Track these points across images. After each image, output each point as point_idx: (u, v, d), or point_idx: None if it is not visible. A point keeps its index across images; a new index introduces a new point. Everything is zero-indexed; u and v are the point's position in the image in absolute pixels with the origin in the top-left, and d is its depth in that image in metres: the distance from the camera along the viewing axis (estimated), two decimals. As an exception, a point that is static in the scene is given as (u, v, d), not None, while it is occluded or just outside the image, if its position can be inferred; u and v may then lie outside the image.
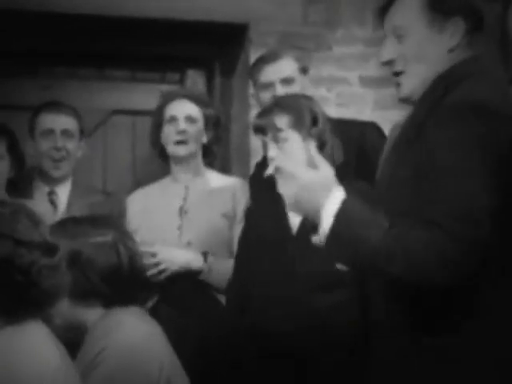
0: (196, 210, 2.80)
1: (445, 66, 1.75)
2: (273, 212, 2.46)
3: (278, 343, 2.29)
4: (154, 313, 2.62)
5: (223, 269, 2.64)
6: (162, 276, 2.68)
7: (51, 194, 2.92)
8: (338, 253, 1.67)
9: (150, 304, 2.68)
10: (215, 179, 2.91)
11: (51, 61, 3.61)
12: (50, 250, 1.58)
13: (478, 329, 1.61)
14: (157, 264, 2.67)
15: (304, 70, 2.83)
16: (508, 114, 1.63)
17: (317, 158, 1.69)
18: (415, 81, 1.78)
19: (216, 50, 3.67)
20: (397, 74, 1.82)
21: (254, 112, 3.06)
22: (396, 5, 1.81)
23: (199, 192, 2.84)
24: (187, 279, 2.69)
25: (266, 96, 2.74)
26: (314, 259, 2.13)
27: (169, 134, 2.83)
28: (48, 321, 1.64)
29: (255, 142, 3.05)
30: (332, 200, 1.63)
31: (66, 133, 2.91)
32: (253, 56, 3.21)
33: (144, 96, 3.63)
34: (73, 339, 1.83)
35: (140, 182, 3.25)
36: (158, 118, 2.87)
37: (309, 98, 2.51)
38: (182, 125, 2.81)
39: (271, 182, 1.74)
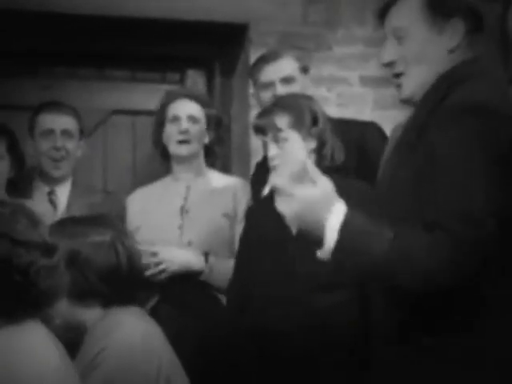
0: (197, 209, 2.79)
1: (445, 66, 1.76)
2: (273, 212, 2.45)
3: (278, 343, 2.29)
4: (154, 312, 2.63)
5: (224, 269, 2.64)
6: (162, 276, 2.68)
7: (51, 193, 2.92)
8: (343, 266, 1.67)
9: (150, 303, 2.69)
10: (216, 179, 2.91)
11: (51, 61, 3.61)
12: (48, 250, 1.58)
13: (478, 329, 1.61)
14: (157, 264, 2.67)
15: (305, 70, 2.83)
16: (508, 113, 1.63)
17: (314, 173, 1.68)
18: (416, 82, 1.79)
19: (216, 50, 3.66)
20: (397, 75, 1.82)
21: (254, 112, 3.06)
22: (396, 6, 1.82)
23: (200, 192, 2.84)
24: (188, 279, 2.69)
25: (267, 95, 2.74)
26: (314, 259, 2.13)
27: (171, 133, 2.83)
28: (47, 321, 1.64)
29: (255, 141, 3.05)
30: (334, 213, 1.62)
31: (65, 133, 2.91)
32: (253, 56, 3.21)
33: (144, 96, 3.63)
34: (73, 339, 1.84)
35: (140, 182, 3.25)
36: (160, 117, 2.87)
37: (309, 98, 2.51)
38: (185, 124, 2.81)
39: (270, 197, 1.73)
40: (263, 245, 2.38)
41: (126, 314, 1.93)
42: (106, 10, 3.31)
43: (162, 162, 2.99)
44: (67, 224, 2.02)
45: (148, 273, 2.62)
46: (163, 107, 2.87)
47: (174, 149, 2.83)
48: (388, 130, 2.76)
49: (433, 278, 1.54)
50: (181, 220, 2.78)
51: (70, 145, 2.92)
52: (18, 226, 1.56)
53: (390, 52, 1.82)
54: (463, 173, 1.57)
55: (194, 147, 2.83)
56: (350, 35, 3.54)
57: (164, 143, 2.87)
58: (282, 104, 2.45)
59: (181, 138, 2.81)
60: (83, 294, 1.90)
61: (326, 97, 3.43)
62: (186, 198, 2.82)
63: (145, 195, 2.92)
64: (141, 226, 2.80)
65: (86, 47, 3.52)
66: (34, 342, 1.55)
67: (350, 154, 2.53)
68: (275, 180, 1.67)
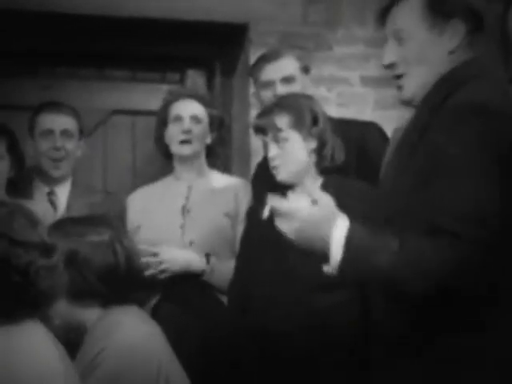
0: (199, 209, 2.79)
1: (446, 67, 1.76)
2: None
3: (278, 343, 2.29)
4: (155, 312, 2.63)
5: (225, 270, 2.63)
6: (163, 276, 2.68)
7: (51, 194, 2.92)
8: (352, 280, 1.68)
9: (151, 303, 2.69)
10: (218, 179, 2.91)
11: (51, 61, 3.61)
12: (47, 250, 1.58)
13: (478, 329, 1.61)
14: (158, 264, 2.66)
15: (305, 70, 2.82)
16: (509, 113, 1.63)
17: (314, 191, 1.69)
18: (417, 83, 1.79)
19: (216, 50, 3.66)
20: (398, 76, 1.83)
21: (254, 112, 3.06)
22: (396, 8, 1.82)
23: (202, 191, 2.84)
24: (189, 279, 2.69)
25: (267, 95, 2.74)
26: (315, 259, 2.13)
27: (174, 132, 2.83)
28: (47, 321, 1.64)
29: (256, 141, 3.05)
30: (337, 229, 1.63)
31: (65, 133, 2.91)
32: (253, 56, 3.21)
33: (144, 96, 3.63)
34: (72, 339, 1.84)
35: (140, 182, 3.25)
36: (162, 117, 2.87)
37: (309, 98, 2.51)
38: (188, 124, 2.81)
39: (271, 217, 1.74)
40: (264, 245, 2.38)
41: (125, 314, 1.93)
42: (106, 9, 3.31)
43: (163, 162, 2.99)
44: (66, 224, 2.02)
45: (149, 273, 2.62)
46: (166, 106, 2.87)
47: (176, 148, 2.83)
48: (388, 130, 2.76)
49: (445, 283, 1.55)
50: (182, 220, 2.78)
51: (70, 145, 2.92)
52: (17, 226, 1.56)
53: (390, 53, 1.82)
54: (465, 173, 1.58)
55: (196, 147, 2.83)
56: (351, 35, 3.54)
57: (166, 142, 2.87)
58: (282, 104, 2.45)
59: (183, 137, 2.81)
60: (82, 294, 1.90)
61: (326, 97, 3.43)
62: (187, 198, 2.82)
63: (146, 194, 2.92)
64: (142, 226, 2.80)
65: (86, 47, 3.52)
66: (34, 342, 1.54)
67: (350, 154, 2.53)
68: (274, 202, 1.67)
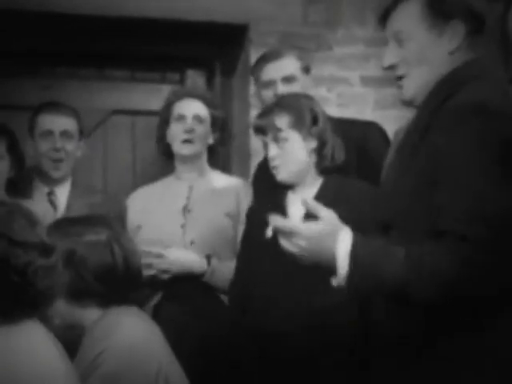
0: (200, 209, 2.79)
1: (446, 68, 1.77)
2: (273, 212, 2.45)
3: (278, 343, 2.29)
4: (156, 312, 2.63)
5: (226, 271, 2.63)
6: (165, 277, 2.67)
7: (50, 194, 2.91)
8: (360, 292, 1.68)
9: (151, 303, 2.69)
10: (219, 179, 2.90)
11: (51, 61, 3.61)
12: (46, 250, 1.58)
13: (478, 329, 1.61)
14: (160, 264, 2.66)
15: (306, 70, 2.82)
16: (508, 113, 1.63)
17: (315, 207, 1.69)
18: (417, 83, 1.80)
19: (216, 50, 3.66)
20: (399, 77, 1.83)
21: (254, 112, 3.06)
22: (397, 10, 1.83)
23: (203, 191, 2.83)
24: (190, 280, 2.68)
25: (268, 94, 2.74)
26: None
27: (176, 132, 2.82)
28: (46, 321, 1.64)
29: (256, 141, 3.05)
30: (342, 242, 1.64)
31: (65, 134, 2.91)
32: (253, 56, 3.21)
33: (144, 96, 3.63)
34: (72, 339, 1.83)
35: (140, 182, 3.25)
36: (165, 116, 2.87)
37: (309, 98, 2.51)
38: (190, 124, 2.80)
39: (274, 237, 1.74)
40: (264, 245, 2.38)
41: (125, 314, 1.93)
42: (106, 9, 3.31)
43: (163, 162, 2.99)
44: (64, 224, 2.02)
45: (150, 273, 2.63)
46: (169, 105, 2.87)
47: (178, 148, 2.83)
48: (389, 130, 2.77)
49: (457, 287, 1.55)
50: (183, 219, 2.77)
51: (70, 146, 2.92)
52: (16, 226, 1.56)
53: (390, 55, 1.83)
54: (467, 174, 1.58)
55: (198, 147, 2.83)
56: (351, 35, 3.54)
57: (168, 142, 2.86)
58: (282, 104, 2.45)
59: (185, 137, 2.80)
60: (80, 294, 1.90)
61: (326, 97, 3.43)
62: (188, 198, 2.82)
63: (146, 194, 2.91)
64: (142, 225, 2.80)
65: (86, 47, 3.52)
66: (34, 342, 1.54)
67: (350, 154, 2.53)
68: (276, 221, 1.68)
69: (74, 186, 2.96)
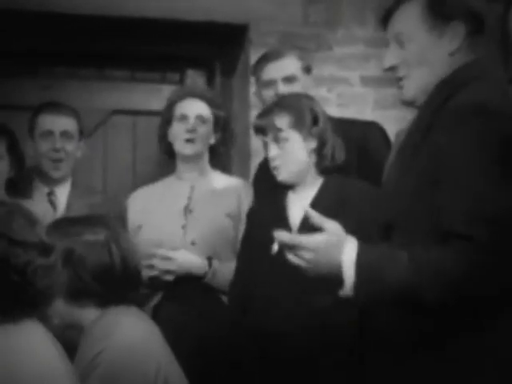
0: (201, 209, 2.78)
1: (446, 69, 1.77)
2: (274, 212, 2.45)
3: (278, 343, 2.29)
4: (156, 312, 2.63)
5: (227, 271, 2.62)
6: (167, 278, 2.67)
7: (50, 194, 2.91)
8: (368, 301, 1.69)
9: (152, 303, 2.69)
10: (220, 179, 2.90)
11: (51, 61, 3.61)
12: (45, 249, 1.58)
13: (478, 329, 1.61)
14: (163, 265, 2.66)
15: (307, 70, 2.82)
16: (508, 113, 1.63)
17: (319, 219, 1.71)
18: (417, 84, 1.81)
19: (216, 50, 3.66)
20: (400, 78, 1.84)
21: (254, 112, 3.06)
22: (397, 12, 1.84)
23: (204, 191, 2.83)
24: (191, 280, 2.68)
25: (269, 94, 2.73)
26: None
27: (178, 131, 2.82)
28: (45, 320, 1.64)
29: (256, 142, 3.04)
30: (347, 252, 1.65)
31: (65, 134, 2.91)
32: (253, 56, 3.21)
33: (144, 96, 3.63)
34: (71, 339, 1.83)
35: (140, 182, 3.25)
36: (167, 115, 2.86)
37: (310, 98, 2.51)
38: (193, 123, 2.80)
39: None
40: (264, 245, 2.38)
41: (124, 314, 1.93)
42: (106, 9, 3.31)
43: (163, 162, 2.98)
44: (63, 224, 2.02)
45: (152, 274, 2.63)
46: (171, 105, 2.86)
47: (180, 147, 2.82)
48: (389, 130, 2.77)
49: (462, 287, 1.56)
50: (184, 220, 2.77)
51: (70, 146, 2.92)
52: (15, 225, 1.56)
53: (391, 57, 1.84)
54: (467, 174, 1.58)
55: (199, 147, 2.83)
56: (351, 35, 3.54)
57: (169, 141, 2.86)
58: (282, 104, 2.45)
59: (188, 136, 2.80)
60: (78, 294, 1.90)
61: (326, 97, 3.43)
62: (190, 198, 2.81)
63: (147, 194, 2.91)
64: (143, 225, 2.79)
65: (86, 47, 3.52)
66: (34, 341, 1.54)
67: (351, 154, 2.53)
68: (282, 236, 1.69)
69: (73, 186, 2.96)
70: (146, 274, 2.61)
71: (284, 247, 1.71)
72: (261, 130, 2.45)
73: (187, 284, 2.67)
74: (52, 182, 2.92)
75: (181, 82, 3.71)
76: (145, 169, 3.63)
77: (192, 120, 2.81)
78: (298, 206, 2.40)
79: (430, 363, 1.64)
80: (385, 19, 1.85)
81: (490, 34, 1.85)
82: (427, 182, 1.64)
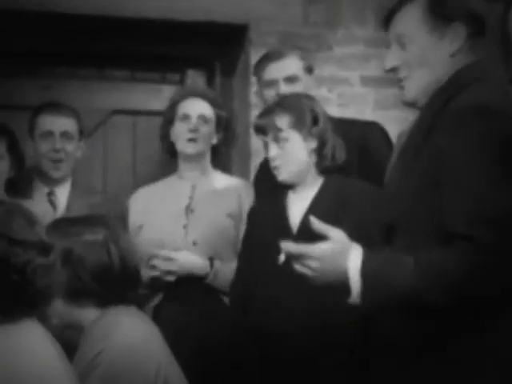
0: (202, 209, 2.78)
1: (447, 70, 1.78)
2: (274, 212, 2.45)
3: (279, 343, 2.29)
4: (157, 312, 2.62)
5: (228, 272, 2.62)
6: (168, 278, 2.67)
7: (50, 194, 2.91)
8: (374, 306, 1.70)
9: (152, 303, 2.68)
10: (221, 179, 2.90)
11: (51, 61, 3.61)
12: (45, 249, 1.58)
13: (478, 329, 1.61)
14: (165, 265, 2.66)
15: (309, 70, 2.82)
16: (509, 113, 1.63)
17: (324, 228, 1.71)
18: (418, 85, 1.81)
19: (216, 50, 3.66)
20: (401, 80, 1.84)
21: (254, 112, 3.06)
22: (399, 14, 1.84)
23: (205, 191, 2.83)
24: (192, 280, 2.68)
25: (270, 94, 2.73)
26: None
27: (180, 131, 2.82)
28: (45, 320, 1.64)
29: (256, 141, 3.04)
30: (352, 259, 1.66)
31: (65, 134, 2.91)
32: (253, 56, 3.21)
33: (144, 96, 3.63)
34: (70, 339, 1.83)
35: (140, 182, 3.25)
36: (170, 114, 2.86)
37: (310, 98, 2.51)
38: (195, 123, 2.80)
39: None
40: (265, 245, 2.38)
41: (124, 314, 1.93)
42: (106, 9, 3.31)
43: (163, 162, 2.98)
44: (62, 224, 2.02)
45: (154, 274, 2.62)
46: (174, 105, 2.86)
47: (182, 147, 2.82)
48: (389, 130, 2.77)
49: (464, 288, 1.56)
50: (186, 219, 2.77)
51: (70, 146, 2.92)
52: (14, 225, 1.56)
53: (392, 58, 1.84)
54: (468, 175, 1.59)
55: (201, 146, 2.83)
56: (351, 35, 3.54)
57: (171, 140, 2.86)
58: (282, 104, 2.45)
59: (190, 136, 2.80)
60: (77, 294, 1.90)
61: (326, 97, 3.43)
62: (191, 197, 2.81)
63: (148, 194, 2.91)
64: (144, 225, 2.79)
65: (86, 47, 3.52)
66: (33, 341, 1.54)
67: (352, 154, 2.53)
68: (288, 247, 1.71)
69: (74, 186, 2.96)
70: (148, 274, 2.61)
71: (290, 257, 1.72)
72: (261, 130, 2.45)
73: (188, 284, 2.67)
74: (52, 182, 2.92)
75: (181, 82, 3.71)
76: (145, 169, 3.63)
77: (194, 120, 2.81)
78: (299, 205, 2.40)
79: (432, 365, 1.64)
80: (386, 20, 1.86)
81: (490, 34, 1.85)
82: (429, 184, 1.64)
